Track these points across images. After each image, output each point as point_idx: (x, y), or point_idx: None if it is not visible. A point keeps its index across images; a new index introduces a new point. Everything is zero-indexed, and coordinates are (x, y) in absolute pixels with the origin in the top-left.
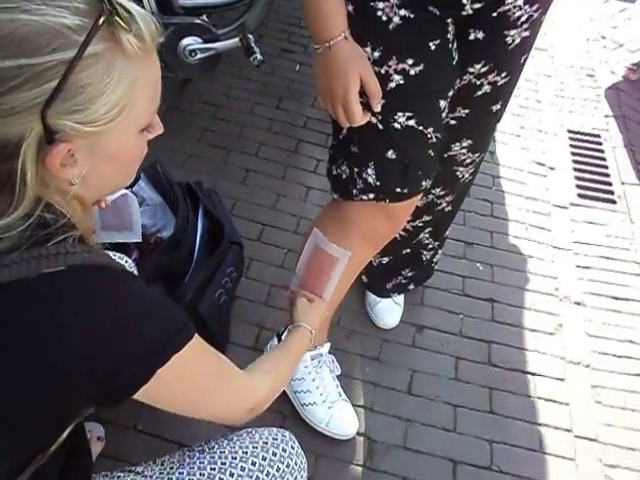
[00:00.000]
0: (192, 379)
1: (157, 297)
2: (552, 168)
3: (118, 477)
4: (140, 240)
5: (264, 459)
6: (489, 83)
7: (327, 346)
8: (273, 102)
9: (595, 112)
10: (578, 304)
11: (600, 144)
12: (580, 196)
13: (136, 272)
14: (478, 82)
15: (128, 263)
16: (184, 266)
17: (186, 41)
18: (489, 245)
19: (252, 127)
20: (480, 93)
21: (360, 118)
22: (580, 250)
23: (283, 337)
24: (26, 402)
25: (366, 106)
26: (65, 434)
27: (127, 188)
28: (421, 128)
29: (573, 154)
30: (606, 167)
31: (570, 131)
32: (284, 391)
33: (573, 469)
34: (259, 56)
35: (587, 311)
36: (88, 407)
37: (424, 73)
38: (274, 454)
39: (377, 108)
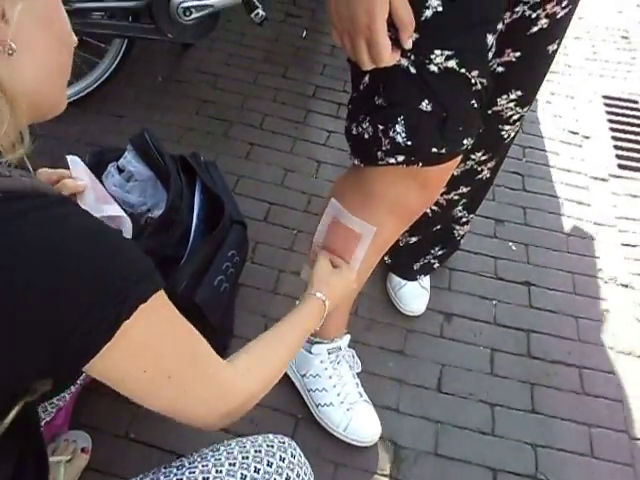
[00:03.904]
0: (158, 350)
1: (116, 236)
2: (587, 137)
3: None
4: None
5: (257, 471)
6: (547, 16)
7: (346, 338)
8: (278, 70)
9: (629, 76)
10: (625, 286)
11: (638, 110)
12: (620, 167)
13: None
14: (534, 14)
15: None
16: (178, 249)
17: None
18: (522, 222)
19: (256, 97)
20: (535, 30)
21: (388, 56)
22: (625, 227)
23: None
24: None
25: (395, 42)
26: (10, 416)
27: (113, 161)
28: (463, 71)
29: (610, 121)
30: None
31: (605, 97)
32: (297, 389)
33: (631, 477)
34: (262, 12)
35: (636, 294)
36: (36, 380)
37: None
38: (269, 464)
39: (408, 44)
